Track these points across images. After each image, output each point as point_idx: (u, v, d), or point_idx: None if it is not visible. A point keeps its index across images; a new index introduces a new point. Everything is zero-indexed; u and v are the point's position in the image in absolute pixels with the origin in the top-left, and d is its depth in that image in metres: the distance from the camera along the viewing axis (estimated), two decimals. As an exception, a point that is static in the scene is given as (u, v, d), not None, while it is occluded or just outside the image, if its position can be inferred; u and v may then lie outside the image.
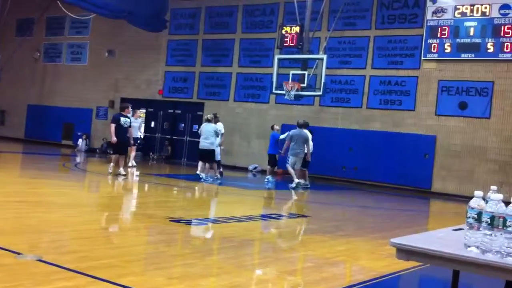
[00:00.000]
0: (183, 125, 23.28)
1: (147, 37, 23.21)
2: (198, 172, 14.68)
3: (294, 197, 13.34)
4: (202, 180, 14.26)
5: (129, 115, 14.93)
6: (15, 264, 4.49)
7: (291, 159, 14.38)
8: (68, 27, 27.03)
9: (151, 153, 22.68)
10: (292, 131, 14.55)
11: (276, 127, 16.99)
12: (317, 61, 17.05)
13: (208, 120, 14.95)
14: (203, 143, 14.53)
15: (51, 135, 26.43)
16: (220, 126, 15.14)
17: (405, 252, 2.71)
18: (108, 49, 25.21)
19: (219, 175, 15.31)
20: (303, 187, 14.55)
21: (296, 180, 14.27)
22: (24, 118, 27.91)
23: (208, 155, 14.59)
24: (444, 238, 2.94)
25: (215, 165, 14.91)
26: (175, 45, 23.65)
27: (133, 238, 6.29)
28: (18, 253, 4.73)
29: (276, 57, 17.39)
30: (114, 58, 25.14)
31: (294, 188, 14.15)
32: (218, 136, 14.79)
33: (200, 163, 14.82)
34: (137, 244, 6.01)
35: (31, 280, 4.03)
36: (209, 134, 14.53)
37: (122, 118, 13.45)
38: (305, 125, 14.83)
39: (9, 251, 4.79)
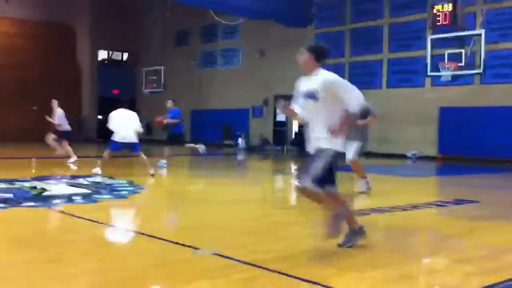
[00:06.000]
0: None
1: (294, 33, 23.57)
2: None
3: (459, 182, 12.72)
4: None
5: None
6: (193, 259, 4.85)
7: None
8: (221, 34, 28.42)
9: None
10: None
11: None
12: (474, 37, 16.09)
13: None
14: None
15: (213, 136, 27.99)
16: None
17: None
18: (258, 50, 26.05)
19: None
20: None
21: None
22: (189, 123, 29.86)
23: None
24: None
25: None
26: (322, 38, 23.72)
27: (299, 231, 6.46)
28: (195, 248, 5.11)
29: (429, 37, 16.70)
30: (264, 58, 25.91)
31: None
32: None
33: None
34: (304, 237, 6.15)
35: (208, 273, 4.33)
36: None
37: None
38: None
39: (187, 246, 5.20)
